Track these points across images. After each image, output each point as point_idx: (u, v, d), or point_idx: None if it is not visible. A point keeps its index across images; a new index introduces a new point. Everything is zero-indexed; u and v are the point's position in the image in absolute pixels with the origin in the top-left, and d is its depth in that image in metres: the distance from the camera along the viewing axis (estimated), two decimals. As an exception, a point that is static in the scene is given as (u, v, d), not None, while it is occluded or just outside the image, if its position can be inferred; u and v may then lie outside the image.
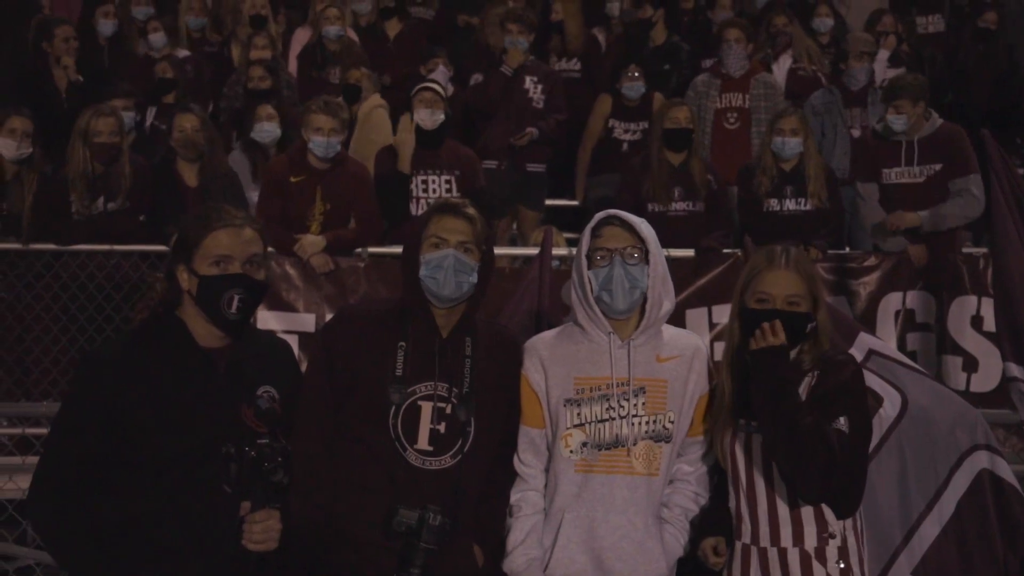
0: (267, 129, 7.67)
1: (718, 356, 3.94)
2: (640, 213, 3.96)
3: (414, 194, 7.11)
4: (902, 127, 7.11)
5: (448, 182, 7.06)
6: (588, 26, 9.64)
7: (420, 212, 6.84)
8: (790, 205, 7.07)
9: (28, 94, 8.21)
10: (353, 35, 9.34)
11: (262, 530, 3.20)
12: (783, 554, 3.58)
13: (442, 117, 7.14)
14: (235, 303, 3.34)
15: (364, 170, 7.20)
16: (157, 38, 9.34)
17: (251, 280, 3.38)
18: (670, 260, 3.89)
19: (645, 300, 3.67)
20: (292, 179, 6.90)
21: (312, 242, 6.77)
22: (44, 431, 5.58)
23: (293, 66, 9.35)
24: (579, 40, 9.41)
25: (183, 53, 9.43)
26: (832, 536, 3.58)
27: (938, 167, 7.07)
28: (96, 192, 6.94)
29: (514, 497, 3.72)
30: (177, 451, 3.25)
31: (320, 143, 6.84)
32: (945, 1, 11.10)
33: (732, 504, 3.68)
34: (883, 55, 9.10)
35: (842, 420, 3.51)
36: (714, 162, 7.67)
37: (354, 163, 7.22)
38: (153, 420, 3.25)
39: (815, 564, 3.56)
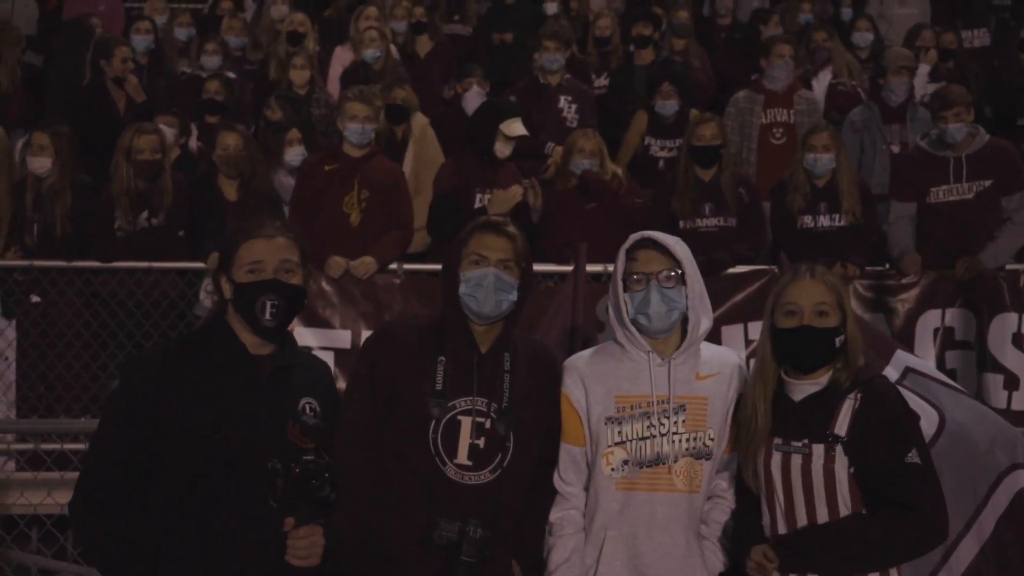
0: (295, 153, 7.72)
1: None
2: (672, 230, 3.96)
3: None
4: (962, 136, 6.95)
5: (481, 200, 7.05)
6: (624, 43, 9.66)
7: None
8: (824, 222, 7.01)
9: (86, 112, 8.31)
10: (395, 53, 9.35)
11: (307, 545, 3.22)
12: None
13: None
14: (268, 309, 3.39)
15: (398, 168, 7.28)
16: (212, 60, 9.42)
17: (282, 284, 3.42)
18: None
19: (686, 320, 3.69)
20: (326, 167, 6.96)
21: (367, 264, 6.79)
22: (83, 447, 5.62)
23: (334, 85, 9.39)
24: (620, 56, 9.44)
25: (229, 74, 9.51)
26: None
27: (988, 183, 6.94)
28: (139, 208, 7.02)
29: (555, 516, 3.72)
30: (219, 453, 3.27)
31: (355, 130, 6.93)
32: (991, 15, 10.99)
33: (767, 522, 3.65)
34: (923, 70, 9.03)
35: (913, 451, 3.52)
36: (761, 178, 7.64)
37: (387, 160, 7.28)
38: (195, 421, 3.28)
39: None
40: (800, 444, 3.57)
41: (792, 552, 3.54)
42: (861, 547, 3.50)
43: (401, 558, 3.51)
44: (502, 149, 7.01)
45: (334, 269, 6.77)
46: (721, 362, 3.75)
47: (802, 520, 3.57)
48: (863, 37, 9.69)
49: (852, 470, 3.52)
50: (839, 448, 3.53)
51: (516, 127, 6.98)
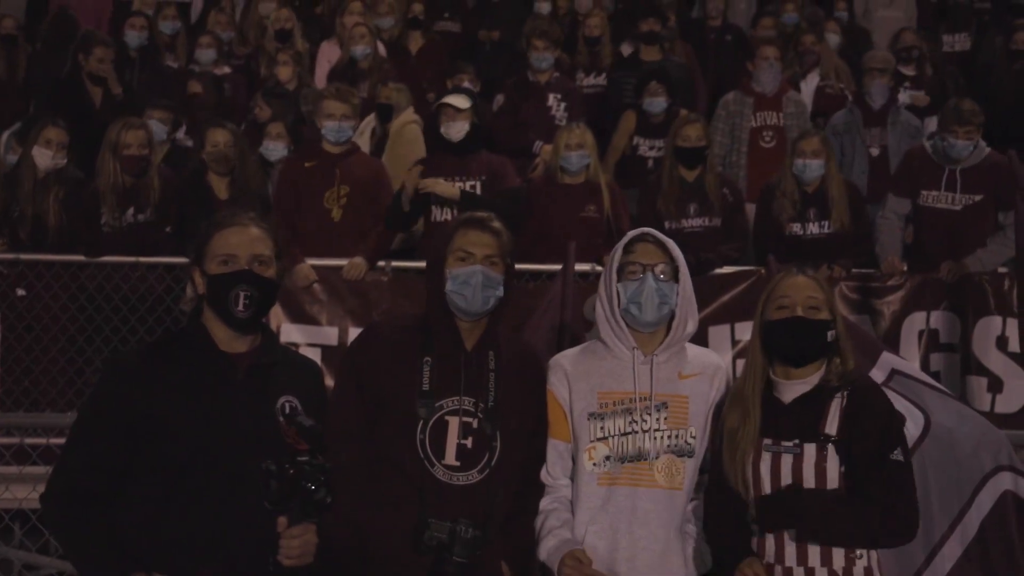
0: (273, 148, 7.70)
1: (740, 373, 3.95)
2: (657, 229, 3.97)
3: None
4: (967, 153, 6.97)
5: (473, 187, 7.00)
6: (615, 41, 9.66)
7: (443, 218, 6.82)
8: (813, 229, 7.00)
9: (64, 105, 8.26)
10: (382, 50, 9.33)
11: (300, 545, 3.19)
12: (811, 574, 3.58)
13: (467, 128, 6.98)
14: (241, 300, 3.36)
15: (381, 164, 7.29)
16: (207, 54, 9.38)
17: (255, 276, 3.39)
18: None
19: (672, 318, 3.72)
20: (306, 164, 6.96)
21: (357, 265, 6.77)
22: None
23: (321, 82, 9.36)
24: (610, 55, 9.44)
25: (226, 70, 9.46)
26: (859, 556, 3.59)
27: (979, 198, 6.97)
28: (126, 204, 6.98)
29: (544, 503, 3.74)
30: (192, 452, 3.26)
31: (332, 128, 6.94)
32: (972, 19, 11.05)
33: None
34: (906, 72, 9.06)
35: (898, 450, 3.56)
36: (751, 182, 7.61)
37: (368, 156, 7.29)
38: (168, 421, 3.27)
39: None
40: (791, 444, 3.60)
41: (772, 508, 3.55)
42: (836, 522, 3.53)
43: (392, 559, 3.51)
44: (447, 127, 6.92)
45: (302, 279, 6.72)
46: (704, 362, 3.79)
47: None
48: (829, 39, 9.73)
49: (843, 469, 3.55)
50: (831, 448, 3.56)
51: (453, 97, 6.98)
